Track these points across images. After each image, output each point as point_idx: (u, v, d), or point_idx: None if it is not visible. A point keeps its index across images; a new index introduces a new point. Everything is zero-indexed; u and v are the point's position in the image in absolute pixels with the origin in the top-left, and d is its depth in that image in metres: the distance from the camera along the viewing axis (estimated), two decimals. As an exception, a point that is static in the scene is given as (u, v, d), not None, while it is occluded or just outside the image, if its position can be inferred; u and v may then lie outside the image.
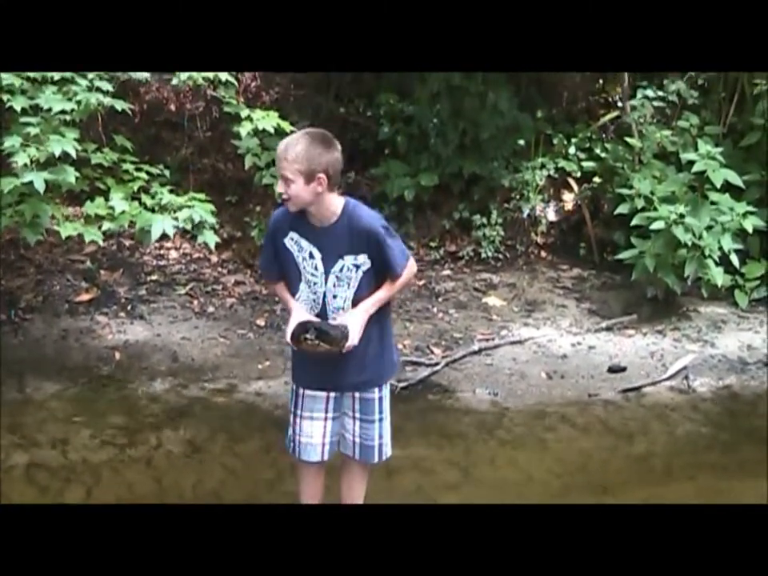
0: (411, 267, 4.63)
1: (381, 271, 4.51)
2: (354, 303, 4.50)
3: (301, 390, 4.69)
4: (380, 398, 4.71)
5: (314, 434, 4.68)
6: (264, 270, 4.89)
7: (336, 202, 4.43)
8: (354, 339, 4.46)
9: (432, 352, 7.24)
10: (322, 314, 4.51)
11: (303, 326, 4.44)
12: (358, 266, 4.47)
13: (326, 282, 4.48)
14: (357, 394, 4.66)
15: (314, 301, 4.52)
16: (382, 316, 4.64)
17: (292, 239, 4.49)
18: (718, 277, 7.67)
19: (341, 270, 4.46)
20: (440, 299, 7.98)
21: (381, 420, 4.73)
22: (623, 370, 7.14)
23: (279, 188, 4.37)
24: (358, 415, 4.69)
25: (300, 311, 4.52)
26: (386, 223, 4.54)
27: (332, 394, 4.66)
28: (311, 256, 4.47)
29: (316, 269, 4.48)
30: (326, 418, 4.68)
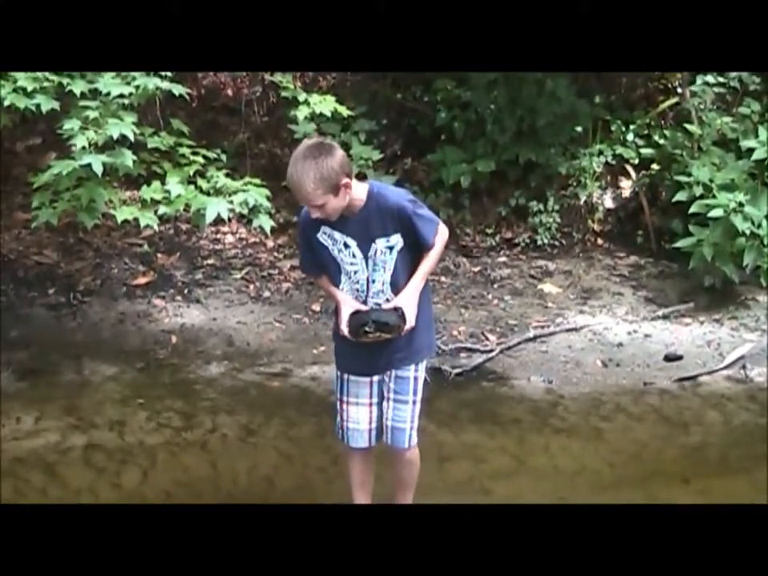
0: (443, 233, 4.60)
1: (414, 246, 4.50)
2: (393, 285, 4.51)
3: (345, 376, 4.71)
4: (415, 378, 4.68)
5: (360, 419, 4.70)
6: (304, 267, 4.91)
7: (361, 190, 4.42)
8: (410, 321, 4.47)
9: (487, 339, 7.22)
10: (365, 301, 4.52)
11: (360, 319, 4.45)
12: (391, 248, 4.46)
13: (367, 267, 4.49)
14: (393, 373, 4.65)
15: (358, 290, 4.53)
16: (422, 292, 4.61)
17: (324, 233, 4.48)
18: (777, 266, 7.58)
19: (375, 253, 4.46)
20: (495, 286, 7.96)
21: (414, 402, 4.69)
22: (679, 358, 7.08)
23: (314, 214, 4.33)
24: (392, 395, 4.67)
25: (349, 302, 4.52)
26: (413, 197, 4.54)
27: (375, 378, 4.67)
28: (346, 246, 4.47)
29: (354, 256, 4.48)
30: (370, 404, 4.69)
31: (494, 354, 6.97)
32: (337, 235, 4.46)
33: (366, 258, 4.47)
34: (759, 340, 7.37)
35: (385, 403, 4.72)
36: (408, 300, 4.49)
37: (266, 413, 6.15)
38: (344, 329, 4.49)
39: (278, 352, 6.91)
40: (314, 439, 5.89)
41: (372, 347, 4.54)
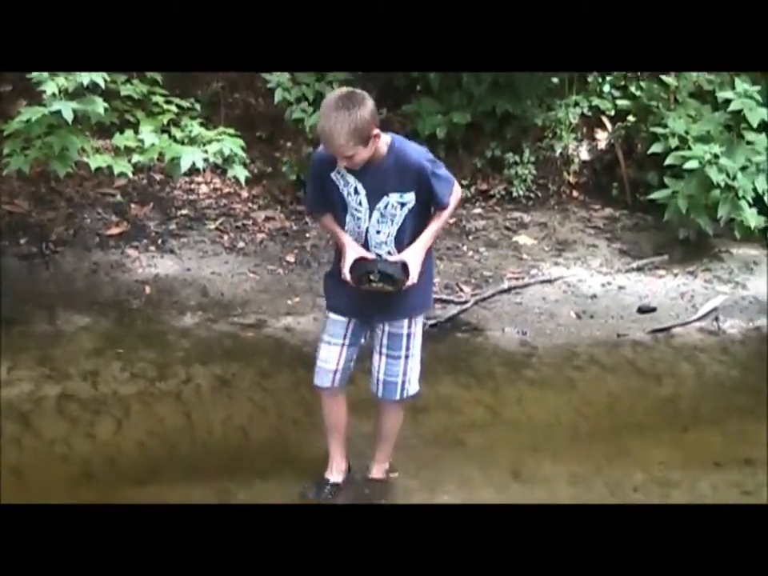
0: (457, 193, 4.64)
1: (426, 204, 4.51)
2: (397, 240, 4.51)
3: (329, 313, 4.74)
4: (408, 335, 4.71)
5: (329, 358, 4.72)
6: (311, 205, 4.89)
7: (382, 142, 4.41)
8: (413, 277, 4.48)
9: (461, 290, 7.23)
10: (365, 247, 4.53)
11: (365, 267, 4.47)
12: (403, 204, 4.46)
13: (369, 218, 4.49)
14: (386, 329, 4.67)
15: (359, 234, 4.54)
16: (428, 251, 4.63)
17: (338, 173, 4.47)
18: (752, 218, 7.59)
19: (385, 206, 4.46)
20: (470, 237, 7.95)
21: (407, 357, 4.73)
22: (653, 310, 7.11)
23: (342, 164, 4.33)
24: (384, 350, 4.72)
25: (353, 246, 4.52)
26: (432, 156, 4.53)
27: (353, 321, 4.68)
28: (356, 191, 4.47)
29: (360, 204, 4.48)
30: (342, 345, 4.71)
31: (468, 305, 6.97)
32: (350, 178, 4.46)
33: (371, 209, 4.47)
34: (732, 292, 7.42)
35: (377, 356, 4.76)
36: (414, 256, 4.50)
37: (241, 363, 6.14)
38: (346, 273, 4.49)
39: (252, 303, 6.89)
40: (288, 390, 5.89)
41: (365, 293, 4.54)
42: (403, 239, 4.51)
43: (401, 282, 4.47)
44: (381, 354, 4.73)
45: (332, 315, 4.72)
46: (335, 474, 4.96)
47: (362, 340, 4.78)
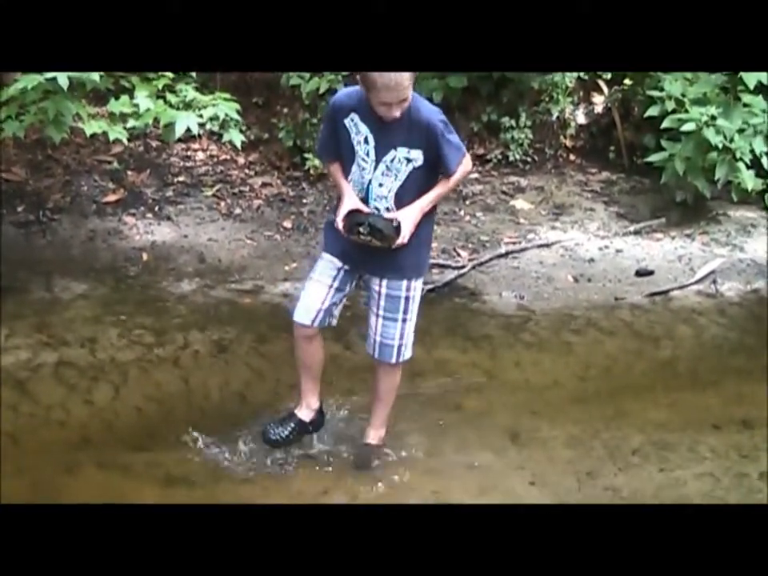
0: (466, 164, 4.64)
1: (433, 169, 4.52)
2: (397, 197, 4.52)
3: (322, 255, 4.75)
4: (406, 298, 4.71)
5: (312, 295, 4.70)
6: (321, 148, 4.86)
7: None
8: (404, 237, 4.49)
9: (459, 255, 7.23)
10: (366, 199, 4.55)
11: (357, 218, 4.49)
12: (409, 160, 4.48)
13: (374, 170, 4.50)
14: (383, 291, 4.68)
15: (362, 184, 4.55)
16: (427, 215, 4.64)
17: (352, 120, 4.51)
18: (749, 180, 7.57)
19: (392, 160, 4.48)
20: (467, 202, 7.94)
21: (404, 321, 4.74)
22: (650, 273, 7.11)
23: (396, 112, 4.35)
24: (381, 312, 4.72)
25: (352, 197, 4.55)
26: (445, 118, 4.53)
27: (345, 267, 4.68)
28: (366, 141, 4.50)
29: (368, 155, 4.50)
30: (330, 286, 4.70)
31: (465, 270, 6.97)
32: (362, 127, 4.49)
33: (378, 161, 4.48)
34: (730, 255, 7.41)
35: (374, 318, 4.76)
36: (409, 216, 4.52)
37: (238, 329, 6.15)
38: (339, 222, 4.53)
39: (249, 269, 6.89)
40: (285, 355, 5.86)
41: (362, 245, 4.55)
42: (403, 197, 4.51)
43: (390, 239, 4.47)
44: (378, 315, 4.74)
45: (326, 256, 4.72)
46: (305, 411, 4.93)
47: (348, 288, 4.76)
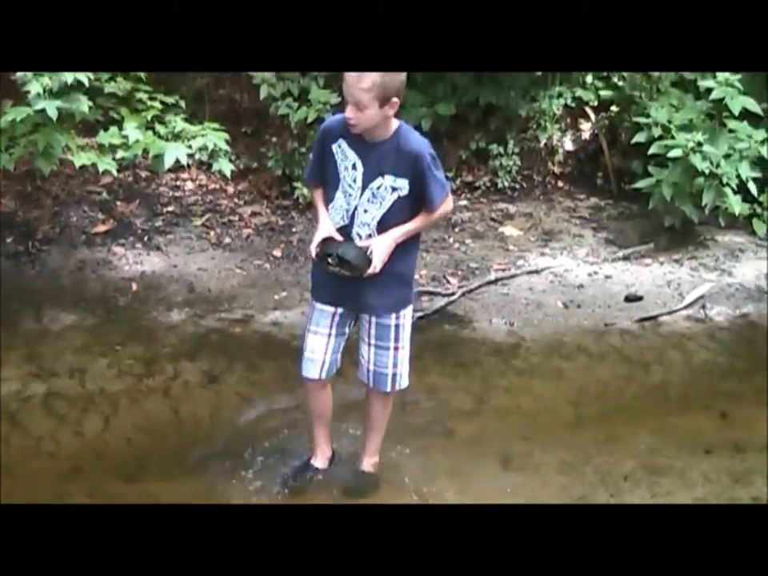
0: (448, 203, 4.67)
1: (417, 200, 4.52)
2: (380, 224, 4.51)
3: (314, 304, 4.75)
4: (396, 326, 4.71)
5: (315, 349, 4.73)
6: (308, 174, 4.87)
7: (393, 123, 4.47)
8: (376, 266, 4.48)
9: (448, 282, 7.23)
10: (350, 225, 4.53)
11: (328, 248, 4.49)
12: (395, 189, 4.47)
13: (360, 196, 4.50)
14: (373, 319, 4.68)
15: (346, 211, 4.54)
16: (409, 247, 4.64)
17: (339, 146, 4.51)
18: (736, 205, 7.61)
19: (378, 187, 4.48)
20: (456, 229, 7.96)
21: (396, 349, 4.74)
22: (640, 299, 7.13)
23: (349, 113, 4.36)
24: (373, 341, 4.72)
25: (326, 226, 4.55)
26: (434, 153, 4.54)
27: (339, 311, 4.69)
28: (353, 167, 4.50)
29: (354, 181, 4.50)
30: (329, 335, 4.71)
31: (455, 297, 6.98)
32: (350, 153, 4.49)
33: (364, 187, 4.48)
34: (718, 280, 7.43)
35: (365, 347, 4.76)
36: (381, 245, 4.50)
37: (228, 359, 6.14)
38: (312, 250, 4.54)
39: (239, 298, 6.88)
40: (276, 384, 5.89)
41: (342, 280, 4.55)
42: (387, 225, 4.51)
43: (361, 269, 4.46)
44: (370, 344, 4.74)
45: (318, 305, 4.72)
46: (320, 460, 4.98)
47: (347, 330, 4.78)
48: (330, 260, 4.48)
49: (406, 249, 4.61)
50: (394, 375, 4.79)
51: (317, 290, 4.76)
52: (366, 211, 4.51)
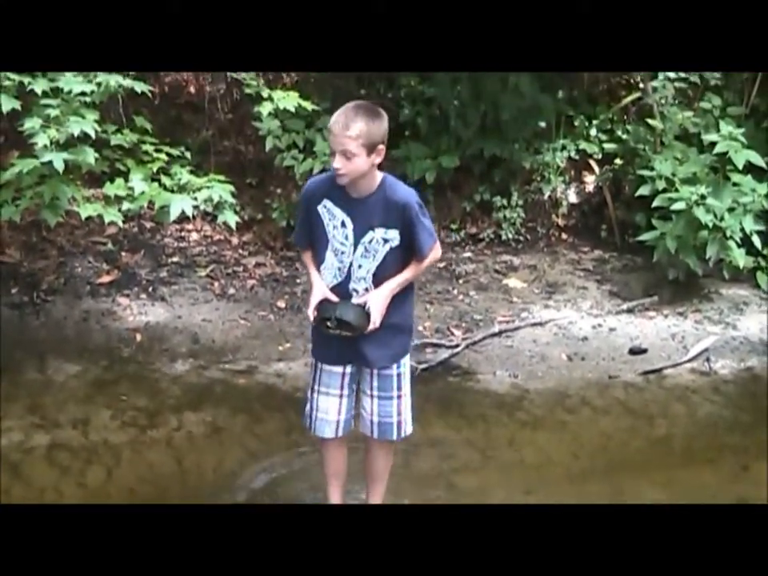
0: (436, 251, 4.66)
1: (408, 250, 4.52)
2: (376, 276, 4.51)
3: (319, 365, 4.72)
4: (398, 375, 4.71)
5: (329, 410, 4.71)
6: (295, 237, 4.87)
7: (377, 176, 4.48)
8: (375, 322, 4.48)
9: (452, 334, 7.23)
10: (346, 281, 4.52)
11: (326, 311, 4.46)
12: (386, 240, 4.48)
13: (353, 252, 4.49)
14: (375, 371, 4.67)
15: (339, 269, 4.53)
16: (404, 296, 4.64)
17: (325, 207, 4.50)
18: (740, 258, 7.63)
19: (370, 241, 4.47)
20: (461, 281, 7.97)
21: (399, 397, 4.73)
22: (644, 351, 7.12)
23: (336, 163, 4.35)
24: (375, 393, 4.70)
25: (320, 288, 4.54)
26: (421, 202, 4.55)
27: (348, 370, 4.67)
28: (343, 225, 4.49)
29: (346, 238, 4.49)
30: (341, 395, 4.70)
31: (459, 348, 6.98)
32: (337, 212, 4.48)
33: (356, 243, 4.48)
34: (723, 333, 7.43)
35: (368, 399, 4.73)
36: (378, 299, 4.49)
37: (232, 410, 6.14)
38: (310, 314, 4.52)
39: (243, 349, 6.89)
40: (280, 435, 5.88)
41: (343, 339, 4.54)
42: (382, 277, 4.51)
43: (360, 327, 4.44)
44: (372, 396, 4.71)
45: (325, 366, 4.70)
46: None
47: (356, 384, 4.76)
48: (328, 323, 4.46)
49: (401, 299, 4.60)
50: (399, 423, 4.77)
51: (320, 351, 4.73)
52: (360, 266, 4.50)
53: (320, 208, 4.51)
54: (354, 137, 4.30)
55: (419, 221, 4.48)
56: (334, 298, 4.51)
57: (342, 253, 4.51)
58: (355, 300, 4.51)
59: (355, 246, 4.48)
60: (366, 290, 4.53)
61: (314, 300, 4.52)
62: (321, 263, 4.58)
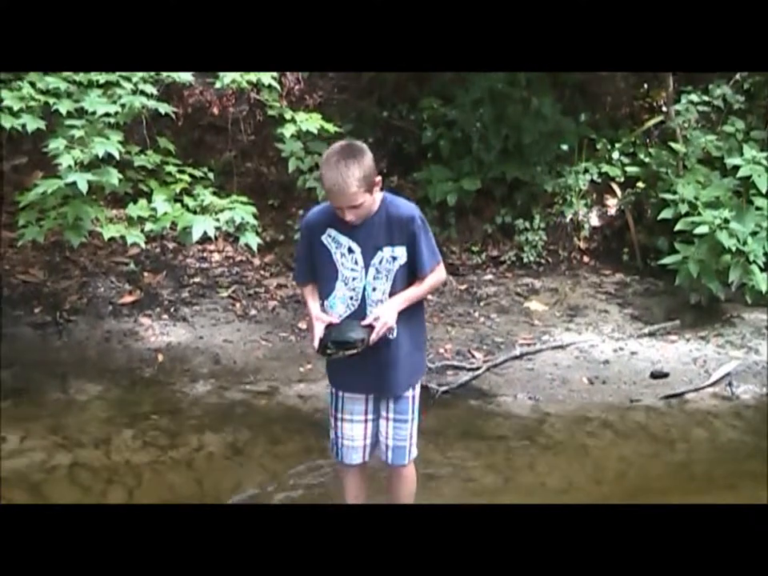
0: (440, 272, 4.64)
1: (411, 267, 4.51)
2: (391, 296, 4.49)
3: (340, 393, 4.70)
4: (413, 397, 4.71)
5: (355, 436, 4.70)
6: (297, 273, 4.85)
7: (377, 195, 4.46)
8: (378, 333, 4.41)
9: (473, 356, 7.23)
10: (362, 307, 4.49)
11: (325, 338, 4.44)
12: (395, 258, 4.47)
13: (366, 275, 4.48)
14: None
15: (352, 298, 4.51)
16: (413, 318, 4.61)
17: (329, 236, 4.49)
18: (763, 283, 7.60)
19: (380, 261, 4.47)
20: (482, 303, 7.97)
21: (412, 420, 4.73)
22: (666, 375, 7.09)
23: (349, 216, 4.35)
24: (392, 415, 4.68)
25: (321, 318, 4.50)
26: (423, 216, 4.53)
27: (370, 396, 4.66)
28: (350, 251, 4.47)
29: (356, 263, 4.48)
30: (366, 420, 4.69)
31: (480, 371, 6.97)
32: (342, 239, 4.47)
33: (367, 265, 4.47)
34: (745, 357, 7.39)
35: (384, 423, 4.71)
36: (386, 313, 4.44)
37: (253, 431, 6.14)
38: (316, 345, 4.48)
39: (264, 370, 6.90)
40: (300, 457, 5.88)
41: (361, 367, 4.52)
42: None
43: (360, 343, 4.39)
44: (388, 419, 4.70)
45: (347, 394, 4.69)
46: None
47: (378, 410, 4.73)
48: (329, 351, 4.43)
49: (410, 320, 4.57)
50: (410, 446, 4.77)
51: (339, 381, 4.70)
52: (375, 289, 4.49)
53: (324, 238, 4.50)
54: (355, 191, 4.28)
55: (421, 236, 4.46)
56: (336, 321, 4.48)
57: (354, 279, 4.49)
58: (364, 322, 4.45)
59: (366, 269, 4.47)
60: None
61: (318, 332, 4.47)
62: (328, 295, 4.54)
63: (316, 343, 4.48)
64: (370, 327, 4.42)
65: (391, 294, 4.50)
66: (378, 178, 4.38)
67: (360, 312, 4.50)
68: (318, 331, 4.48)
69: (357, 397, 4.67)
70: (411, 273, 4.52)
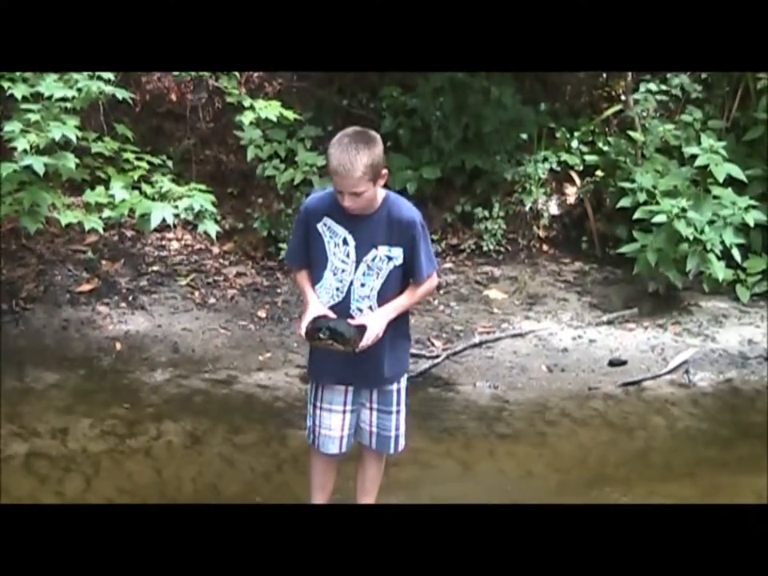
0: (433, 279, 4.67)
1: (408, 270, 4.51)
2: (380, 295, 4.49)
3: (321, 384, 4.69)
4: (398, 390, 4.73)
5: (333, 426, 4.68)
6: (290, 254, 4.83)
7: (380, 192, 4.45)
8: (368, 340, 4.43)
9: (433, 345, 7.23)
10: (345, 302, 4.49)
11: (318, 324, 4.42)
12: (390, 258, 4.46)
13: (355, 271, 4.47)
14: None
15: (338, 289, 4.50)
16: (400, 321, 4.62)
17: (325, 225, 4.47)
18: (720, 271, 7.65)
19: (373, 259, 4.46)
20: (441, 292, 7.96)
21: (398, 412, 4.75)
22: (624, 363, 7.13)
23: (348, 203, 4.32)
24: (375, 406, 4.71)
25: (316, 305, 4.48)
26: (424, 222, 4.54)
27: (350, 388, 4.65)
28: (345, 243, 4.45)
29: (348, 256, 4.46)
30: (344, 411, 4.68)
31: (439, 359, 6.98)
32: (338, 230, 4.45)
33: (358, 261, 4.45)
34: (702, 345, 7.44)
35: (367, 412, 4.73)
36: (375, 323, 4.45)
37: (212, 420, 6.11)
38: (302, 328, 4.46)
39: (223, 359, 6.87)
40: (259, 445, 5.87)
41: (344, 361, 4.51)
42: (386, 295, 4.49)
43: (352, 343, 4.39)
44: (371, 408, 4.71)
45: (327, 385, 4.67)
46: None
47: (359, 401, 4.73)
48: (320, 334, 4.40)
49: (399, 322, 4.59)
50: (397, 437, 4.79)
51: (320, 373, 4.68)
52: (362, 285, 4.47)
53: (320, 226, 4.48)
54: (360, 176, 4.26)
55: (421, 242, 4.48)
56: (332, 315, 4.46)
57: (343, 272, 4.47)
58: (354, 322, 4.46)
59: (357, 264, 4.45)
60: (371, 308, 4.50)
61: (310, 315, 4.45)
62: (317, 283, 4.53)
63: (304, 325, 4.44)
64: (363, 329, 4.41)
65: (382, 293, 4.49)
66: (385, 171, 4.38)
67: (344, 304, 4.49)
68: (311, 316, 4.44)
69: (337, 387, 4.65)
70: (406, 275, 4.53)
